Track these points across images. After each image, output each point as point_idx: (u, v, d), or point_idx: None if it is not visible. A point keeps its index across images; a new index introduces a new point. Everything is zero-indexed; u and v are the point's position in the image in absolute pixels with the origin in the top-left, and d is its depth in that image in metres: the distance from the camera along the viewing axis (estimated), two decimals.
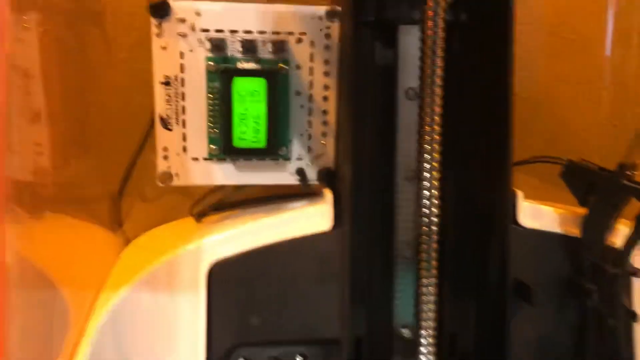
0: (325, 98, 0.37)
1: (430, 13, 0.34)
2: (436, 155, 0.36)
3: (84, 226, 0.40)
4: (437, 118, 0.35)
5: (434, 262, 0.37)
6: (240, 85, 0.34)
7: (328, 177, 0.38)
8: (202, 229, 0.38)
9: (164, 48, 0.34)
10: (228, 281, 0.36)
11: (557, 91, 0.55)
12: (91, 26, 0.43)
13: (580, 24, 0.54)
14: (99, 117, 0.45)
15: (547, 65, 0.55)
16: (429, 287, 0.37)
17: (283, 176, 0.38)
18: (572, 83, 0.54)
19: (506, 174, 0.37)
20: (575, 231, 0.38)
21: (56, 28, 0.33)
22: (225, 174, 0.37)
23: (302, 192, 0.39)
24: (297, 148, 0.37)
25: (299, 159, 0.37)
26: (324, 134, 0.37)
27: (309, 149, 0.37)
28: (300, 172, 0.37)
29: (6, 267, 0.24)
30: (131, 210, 0.44)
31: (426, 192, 0.36)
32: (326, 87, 0.36)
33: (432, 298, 0.37)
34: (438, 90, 0.35)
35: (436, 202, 0.36)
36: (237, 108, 0.35)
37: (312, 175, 0.38)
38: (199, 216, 0.41)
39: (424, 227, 0.36)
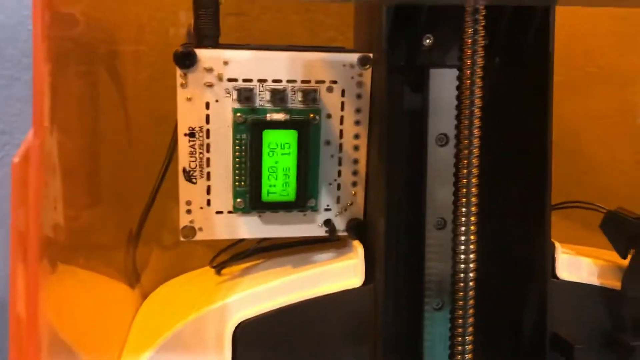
0: (355, 147, 0.35)
1: (467, 59, 0.33)
2: (473, 206, 0.34)
3: (98, 278, 0.38)
4: (474, 166, 0.34)
5: (469, 316, 0.35)
6: (271, 138, 0.33)
7: (357, 228, 0.36)
8: (224, 284, 0.36)
9: (189, 99, 0.32)
10: (254, 342, 0.34)
11: (580, 127, 0.54)
12: (103, 68, 0.41)
13: (603, 57, 0.52)
14: (110, 160, 0.43)
15: (567, 101, 0.54)
16: (465, 340, 0.35)
17: (310, 228, 0.36)
18: (596, 118, 0.53)
19: (544, 226, 0.35)
20: (616, 283, 0.36)
21: (67, 78, 0.31)
22: (250, 227, 0.35)
23: (323, 239, 0.38)
24: (325, 199, 0.35)
25: (327, 209, 0.36)
26: (354, 184, 0.36)
27: (338, 199, 0.36)
28: (329, 224, 0.36)
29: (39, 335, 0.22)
30: (147, 257, 0.42)
31: (462, 242, 0.34)
32: (357, 136, 0.35)
33: (467, 353, 0.36)
34: (475, 138, 0.34)
35: (472, 252, 0.35)
36: (267, 161, 0.33)
37: (340, 226, 0.36)
38: (219, 268, 0.39)
39: (459, 278, 0.35)
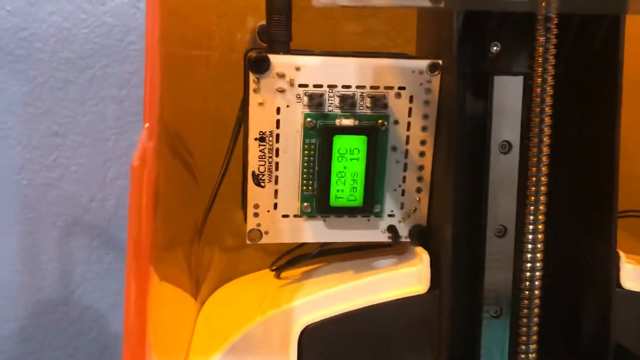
0: (421, 153, 0.35)
1: (539, 67, 0.33)
2: (541, 214, 0.34)
3: (167, 280, 0.38)
4: (543, 174, 0.34)
5: (534, 324, 0.35)
6: (341, 143, 0.33)
7: (420, 235, 0.36)
8: (287, 287, 0.37)
9: (261, 104, 0.32)
10: (319, 346, 0.34)
11: (631, 132, 0.53)
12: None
13: None
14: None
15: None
16: (529, 348, 0.35)
17: (374, 233, 0.36)
18: None
19: (610, 235, 0.35)
20: None
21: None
22: (315, 232, 0.35)
23: (384, 245, 0.38)
24: (389, 204, 0.36)
25: (391, 215, 0.36)
26: (419, 190, 0.36)
27: (402, 206, 0.36)
28: (392, 230, 0.36)
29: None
30: (208, 259, 0.43)
31: (529, 251, 0.34)
32: (423, 142, 0.35)
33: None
34: (545, 146, 0.34)
35: (539, 261, 0.34)
36: (336, 166, 0.33)
37: (403, 232, 0.36)
38: (279, 271, 0.39)
39: (524, 287, 0.35)
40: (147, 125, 0.19)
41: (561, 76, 0.37)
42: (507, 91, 0.37)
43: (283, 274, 0.39)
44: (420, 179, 0.36)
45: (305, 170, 0.34)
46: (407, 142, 0.35)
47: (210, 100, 0.44)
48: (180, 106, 0.35)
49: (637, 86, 0.53)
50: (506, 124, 0.37)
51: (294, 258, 0.39)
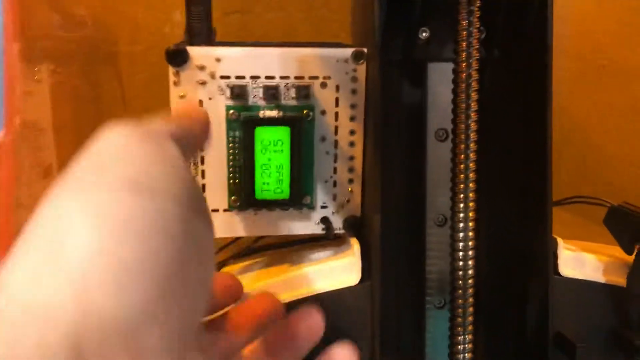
0: (351, 143, 0.35)
1: (462, 53, 0.32)
2: (471, 202, 0.34)
3: None
4: (471, 161, 0.33)
5: (469, 314, 0.35)
6: (263, 135, 0.32)
7: (354, 226, 0.36)
8: None
9: (182, 97, 0.32)
10: None
11: (590, 121, 0.53)
12: (105, 66, 0.42)
13: (614, 50, 0.51)
14: None
15: (577, 93, 0.53)
16: (465, 338, 0.35)
17: (307, 226, 0.36)
18: (606, 111, 0.52)
19: (545, 220, 0.35)
20: (621, 280, 0.35)
21: (70, 77, 0.31)
22: (246, 225, 0.35)
23: (322, 237, 0.38)
24: (321, 196, 0.35)
25: (324, 207, 0.35)
26: (351, 181, 0.35)
27: (334, 197, 0.35)
28: (325, 221, 0.35)
29: None
30: None
31: (460, 239, 0.34)
32: (352, 132, 0.34)
33: (467, 352, 0.35)
34: (472, 132, 0.33)
35: (471, 249, 0.34)
36: (260, 158, 0.33)
37: (337, 223, 0.36)
38: (219, 266, 0.39)
39: (458, 276, 0.34)
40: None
41: (495, 61, 0.37)
42: (440, 78, 0.36)
43: (222, 270, 0.39)
44: (351, 169, 0.35)
45: (231, 163, 0.33)
46: (336, 133, 0.34)
47: (144, 96, 0.44)
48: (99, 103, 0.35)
49: (600, 74, 0.52)
50: (442, 111, 0.37)
51: (233, 255, 0.39)
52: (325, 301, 0.34)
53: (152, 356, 0.17)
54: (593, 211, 0.41)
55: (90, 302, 0.16)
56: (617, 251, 0.36)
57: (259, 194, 0.33)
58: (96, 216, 0.17)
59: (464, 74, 0.33)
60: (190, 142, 0.24)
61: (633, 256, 0.35)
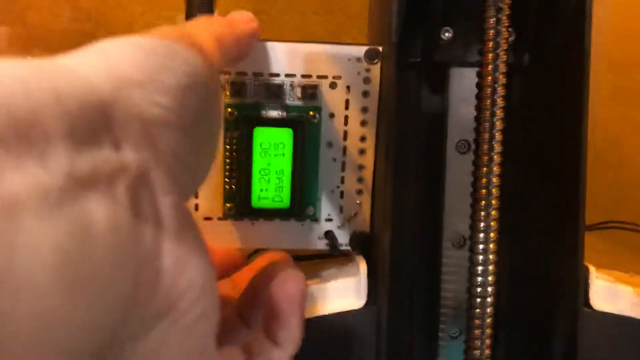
0: (361, 151, 0.31)
1: (489, 55, 0.29)
2: (493, 221, 0.30)
3: None
4: (494, 176, 0.30)
5: (486, 347, 0.31)
6: (263, 137, 0.29)
7: (362, 242, 0.33)
8: None
9: None
10: None
11: (625, 139, 0.49)
12: None
13: None
14: None
15: (613, 108, 0.49)
16: None
17: (309, 240, 0.32)
18: None
19: (576, 245, 0.31)
20: None
21: None
22: (242, 236, 0.32)
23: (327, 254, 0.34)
24: (326, 207, 0.32)
25: (329, 219, 0.32)
26: (359, 192, 0.32)
27: (341, 209, 0.32)
28: (330, 236, 0.32)
29: None
30: None
31: (480, 263, 0.30)
32: (363, 139, 0.31)
33: None
34: (497, 144, 0.30)
35: (491, 275, 0.30)
36: (258, 162, 0.30)
37: (343, 239, 0.33)
38: None
39: (475, 304, 0.31)
40: None
41: (525, 67, 0.33)
42: (464, 84, 0.33)
43: None
44: (360, 179, 0.32)
45: (227, 167, 0.30)
46: (345, 138, 0.31)
47: None
48: None
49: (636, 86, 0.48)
50: (465, 121, 0.33)
51: None
52: (327, 325, 0.31)
53: None
54: (629, 237, 0.37)
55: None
56: None
57: (256, 202, 0.30)
58: None
59: (490, 78, 0.29)
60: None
61: None
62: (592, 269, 0.32)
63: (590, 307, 0.31)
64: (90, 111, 0.15)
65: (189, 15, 0.30)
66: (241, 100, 0.30)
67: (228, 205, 0.31)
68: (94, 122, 0.15)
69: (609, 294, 0.32)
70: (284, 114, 0.30)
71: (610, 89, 0.47)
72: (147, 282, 0.16)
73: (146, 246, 0.15)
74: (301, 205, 0.31)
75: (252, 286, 0.24)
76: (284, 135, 0.30)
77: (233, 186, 0.30)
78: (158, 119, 0.17)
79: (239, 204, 0.30)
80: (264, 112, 0.30)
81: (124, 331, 0.16)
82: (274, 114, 0.30)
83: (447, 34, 0.32)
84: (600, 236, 0.40)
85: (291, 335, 0.22)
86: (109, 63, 0.16)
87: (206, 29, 0.22)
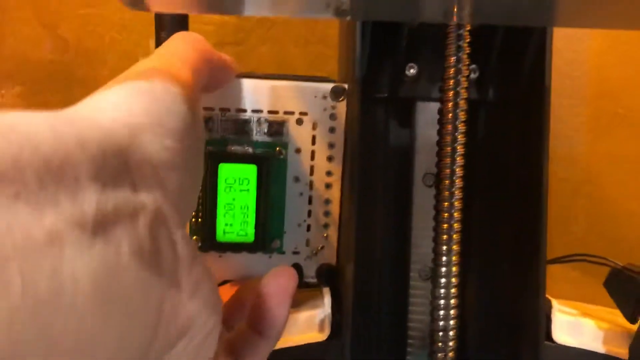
0: (328, 185, 0.32)
1: (450, 93, 0.30)
2: (454, 255, 0.31)
3: None
4: (456, 210, 0.30)
5: None
6: (228, 172, 0.30)
7: (328, 275, 0.33)
8: None
9: None
10: None
11: (603, 171, 0.49)
12: (80, 89, 0.40)
13: (631, 98, 0.48)
14: None
15: (590, 143, 0.49)
16: None
17: None
18: (620, 162, 0.48)
19: (538, 279, 0.31)
20: (622, 351, 0.31)
21: (39, 94, 0.29)
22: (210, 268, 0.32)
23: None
24: (293, 241, 0.32)
25: (296, 252, 0.32)
26: (326, 226, 0.32)
27: (307, 242, 0.32)
28: (296, 268, 0.32)
29: None
30: None
31: (442, 296, 0.31)
32: (329, 173, 0.32)
33: None
34: (458, 179, 0.30)
35: (453, 308, 0.31)
36: (223, 197, 0.30)
37: (310, 271, 0.33)
38: None
39: (438, 338, 0.31)
40: None
41: (489, 103, 0.34)
42: (430, 118, 0.34)
43: None
44: (327, 213, 0.32)
45: None
46: (312, 173, 0.32)
47: None
48: None
49: (615, 123, 0.49)
50: (431, 154, 0.34)
51: None
52: (290, 357, 0.31)
53: None
54: (602, 270, 0.37)
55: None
56: (622, 316, 0.32)
57: (221, 236, 0.30)
58: None
59: (451, 115, 0.30)
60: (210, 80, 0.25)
61: (637, 325, 0.31)
62: (554, 303, 0.32)
63: (552, 340, 0.32)
64: (111, 156, 0.16)
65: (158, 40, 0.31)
66: (208, 135, 0.30)
67: (194, 237, 0.31)
68: (115, 166, 0.16)
69: (571, 327, 0.32)
70: (250, 149, 0.30)
71: (588, 123, 0.48)
72: (169, 306, 0.17)
73: (167, 275, 0.17)
74: (265, 239, 0.31)
75: (238, 293, 0.26)
76: (249, 171, 0.30)
77: (199, 219, 0.31)
78: (166, 162, 0.18)
79: (205, 237, 0.31)
80: (229, 148, 0.30)
81: (151, 350, 0.17)
82: (239, 149, 0.30)
83: (412, 70, 0.33)
84: (571, 266, 0.40)
85: (277, 327, 0.24)
86: (122, 111, 0.18)
87: (180, 58, 0.23)
